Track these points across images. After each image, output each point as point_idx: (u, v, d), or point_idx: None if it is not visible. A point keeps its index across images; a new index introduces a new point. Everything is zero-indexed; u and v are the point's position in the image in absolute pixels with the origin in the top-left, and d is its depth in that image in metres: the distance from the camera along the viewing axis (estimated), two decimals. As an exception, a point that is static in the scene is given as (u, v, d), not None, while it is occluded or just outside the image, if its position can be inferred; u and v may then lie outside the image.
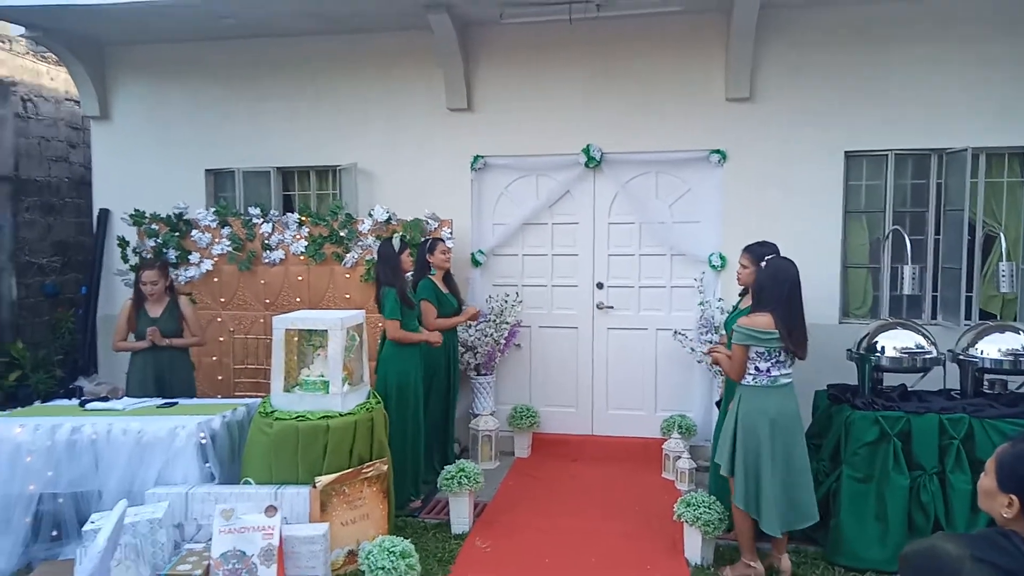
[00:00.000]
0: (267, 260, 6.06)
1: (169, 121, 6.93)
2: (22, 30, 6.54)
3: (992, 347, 4.41)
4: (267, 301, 6.09)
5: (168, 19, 6.12)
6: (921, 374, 4.55)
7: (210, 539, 3.73)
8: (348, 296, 5.96)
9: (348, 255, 5.94)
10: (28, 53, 7.70)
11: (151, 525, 3.71)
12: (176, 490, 3.97)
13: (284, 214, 6.24)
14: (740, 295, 4.58)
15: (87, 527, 3.63)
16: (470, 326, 6.02)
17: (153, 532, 3.71)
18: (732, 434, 4.01)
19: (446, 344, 5.48)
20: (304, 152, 6.69)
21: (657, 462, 5.78)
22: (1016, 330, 4.46)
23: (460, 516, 4.68)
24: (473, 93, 6.34)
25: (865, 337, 4.58)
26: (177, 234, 6.15)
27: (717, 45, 5.90)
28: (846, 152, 5.82)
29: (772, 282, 3.88)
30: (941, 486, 4.09)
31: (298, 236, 6.00)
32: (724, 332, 4.93)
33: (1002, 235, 5.40)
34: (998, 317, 5.72)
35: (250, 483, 4.02)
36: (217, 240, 6.11)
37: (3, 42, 7.38)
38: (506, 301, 6.20)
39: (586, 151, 6.10)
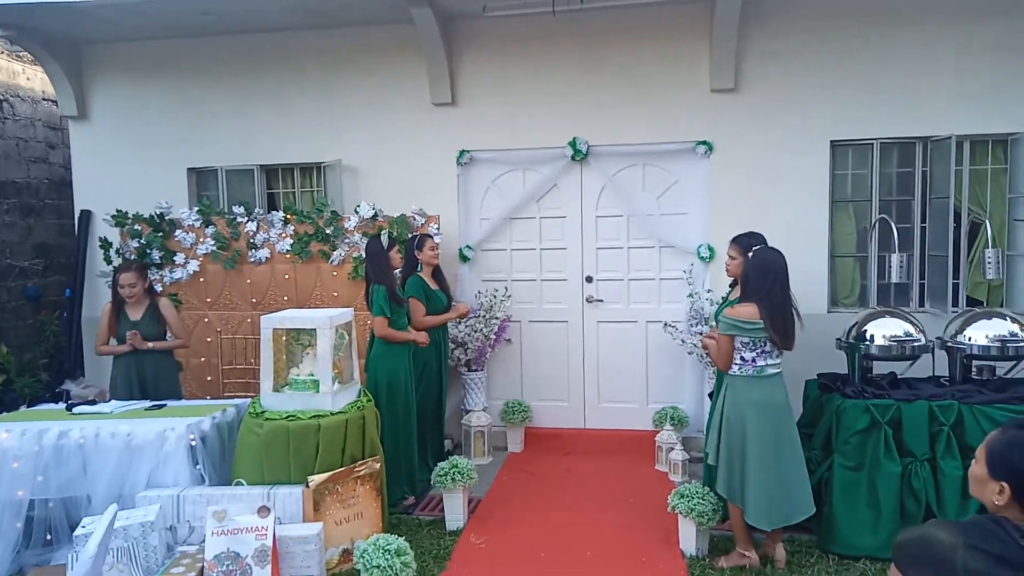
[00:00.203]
0: (253, 259, 6.01)
1: (149, 120, 6.85)
2: (-4, 29, 6.43)
3: (979, 333, 4.45)
4: (254, 300, 6.04)
5: (146, 16, 6.04)
6: (910, 362, 4.57)
7: (203, 541, 3.71)
8: (336, 294, 5.92)
9: (335, 252, 5.90)
10: (3, 52, 7.58)
11: (143, 528, 3.68)
12: (168, 492, 3.94)
13: (269, 212, 6.19)
14: (730, 286, 4.59)
15: (78, 532, 3.59)
16: (459, 322, 6.00)
17: (145, 535, 3.69)
18: (718, 423, 4.05)
19: (436, 341, 5.46)
20: (288, 149, 6.63)
21: (650, 454, 5.79)
22: (1003, 316, 4.50)
23: (454, 512, 4.67)
24: (457, 87, 6.30)
25: (854, 326, 4.61)
26: (160, 234, 6.08)
27: (701, 36, 5.90)
28: (832, 141, 5.83)
29: (757, 273, 3.89)
30: (932, 472, 4.11)
31: (283, 234, 5.95)
32: (714, 323, 4.93)
33: (987, 222, 5.44)
34: (985, 303, 5.77)
35: (242, 484, 3.99)
36: (202, 240, 6.05)
37: (-23, 42, 7.28)
38: (495, 296, 6.18)
39: (572, 144, 6.08)
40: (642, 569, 4.10)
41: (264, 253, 5.98)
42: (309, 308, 5.78)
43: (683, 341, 5.86)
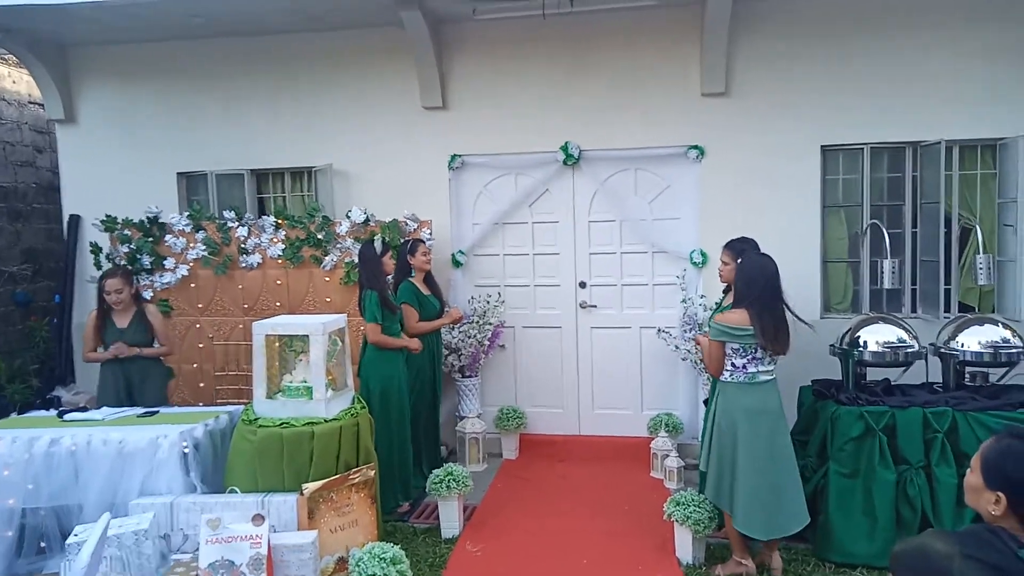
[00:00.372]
0: (244, 264, 5.97)
1: (138, 124, 6.80)
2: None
3: (972, 340, 4.46)
4: (246, 306, 6.00)
5: (135, 18, 5.99)
6: (904, 368, 4.59)
7: (197, 549, 3.67)
8: (329, 299, 5.89)
9: (327, 258, 5.87)
10: (-11, 55, 7.52)
11: (136, 537, 3.64)
12: (161, 500, 3.89)
13: (260, 217, 6.15)
14: (724, 292, 4.59)
15: (70, 540, 3.54)
16: (453, 328, 5.98)
17: (139, 544, 3.64)
18: (710, 430, 4.06)
19: (429, 347, 5.44)
20: (278, 153, 6.60)
21: (645, 461, 5.78)
22: (995, 322, 4.52)
23: (450, 520, 4.65)
24: (448, 91, 6.29)
25: (847, 332, 4.62)
26: (151, 239, 6.03)
27: (692, 40, 5.91)
28: (822, 146, 5.85)
29: (746, 279, 3.90)
30: (927, 480, 4.12)
31: (275, 239, 5.91)
32: (707, 329, 4.94)
33: (977, 227, 5.47)
34: (976, 309, 5.80)
35: (236, 492, 3.96)
36: (192, 245, 6.00)
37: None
38: (488, 302, 6.17)
39: (564, 148, 6.08)
40: (638, 576, 4.09)
41: (255, 258, 5.94)
42: (301, 314, 5.74)
43: (677, 347, 5.86)
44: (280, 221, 5.93)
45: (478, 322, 6.07)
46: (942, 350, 4.55)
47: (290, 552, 3.71)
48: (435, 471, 4.68)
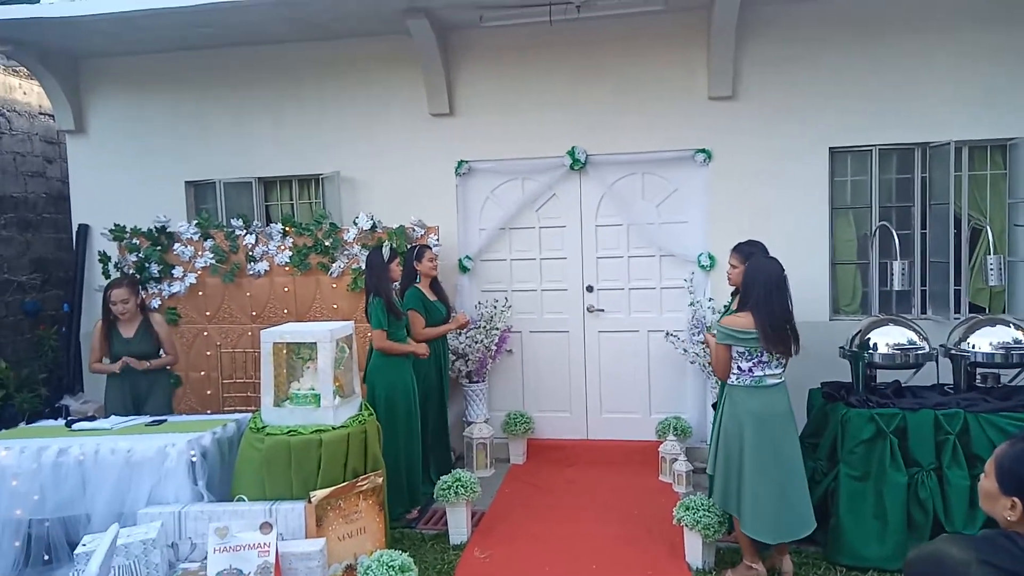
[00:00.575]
0: (252, 272, 5.98)
1: (147, 133, 6.84)
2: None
3: (983, 341, 4.43)
4: (253, 313, 6.01)
5: (143, 30, 6.03)
6: (914, 370, 4.55)
7: (205, 558, 3.67)
8: (336, 306, 5.89)
9: (334, 265, 5.87)
10: None
11: (144, 546, 3.64)
12: (169, 509, 3.90)
13: (267, 225, 6.17)
14: (732, 295, 4.57)
15: (79, 550, 3.55)
16: (460, 333, 5.97)
17: (147, 553, 3.65)
18: (717, 433, 4.05)
19: (436, 353, 5.44)
20: (286, 161, 6.62)
21: (653, 465, 5.75)
22: (1006, 323, 4.48)
23: (458, 526, 4.64)
24: (455, 98, 6.30)
25: (857, 334, 4.58)
26: (159, 248, 6.05)
27: (699, 44, 5.90)
28: (830, 148, 5.83)
29: (750, 282, 3.89)
30: (939, 482, 4.08)
31: (282, 247, 5.92)
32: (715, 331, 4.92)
33: (988, 228, 5.42)
34: (987, 310, 5.75)
35: (244, 500, 3.96)
36: (200, 253, 6.02)
37: (-27, 57, 7.25)
38: (495, 307, 6.16)
39: (571, 153, 6.08)
40: (648, 582, 4.07)
41: (263, 266, 5.95)
42: (309, 320, 5.75)
43: (685, 350, 5.84)
44: (287, 228, 5.95)
45: (485, 327, 6.06)
46: (953, 351, 4.52)
47: (298, 560, 3.71)
48: (443, 477, 4.67)
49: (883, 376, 4.71)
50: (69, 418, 4.87)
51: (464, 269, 6.33)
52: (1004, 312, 5.68)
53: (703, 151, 5.93)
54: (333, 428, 4.06)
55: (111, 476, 4.06)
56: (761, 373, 3.88)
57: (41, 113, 7.98)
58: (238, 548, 3.63)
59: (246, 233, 5.99)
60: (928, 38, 5.63)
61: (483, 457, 5.87)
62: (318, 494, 3.88)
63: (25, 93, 7.85)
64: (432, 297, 5.47)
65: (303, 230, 5.91)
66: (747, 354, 3.88)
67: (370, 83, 6.42)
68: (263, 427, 4.09)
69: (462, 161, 6.30)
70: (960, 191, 5.60)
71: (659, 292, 6.17)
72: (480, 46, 6.22)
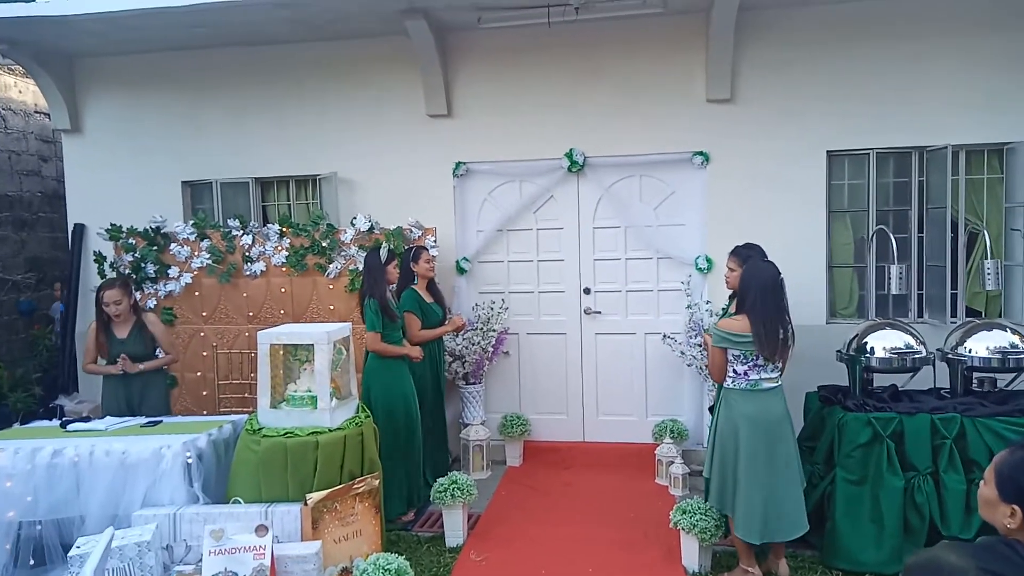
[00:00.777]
0: (248, 272, 5.96)
1: (143, 133, 6.81)
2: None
3: (980, 345, 4.43)
4: (250, 314, 6.00)
5: (140, 29, 6.01)
6: (911, 374, 4.56)
7: (200, 561, 3.66)
8: (332, 307, 5.88)
9: (331, 265, 5.86)
10: (-5, 66, 7.55)
11: (139, 548, 3.63)
12: (164, 511, 3.88)
13: (264, 225, 6.15)
14: (730, 298, 4.57)
15: (73, 552, 3.54)
16: (456, 335, 5.96)
17: (141, 555, 3.63)
18: (713, 436, 4.06)
19: (432, 355, 5.43)
20: (283, 161, 6.60)
21: (650, 467, 5.75)
22: (1003, 327, 4.48)
23: (454, 529, 4.63)
24: (453, 99, 6.29)
25: (854, 338, 4.59)
26: (155, 248, 6.03)
27: (697, 47, 5.90)
28: (828, 151, 5.83)
29: (746, 286, 3.90)
30: (935, 487, 4.09)
31: (279, 247, 5.91)
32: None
33: (984, 232, 5.43)
34: (983, 314, 5.76)
35: (239, 502, 3.94)
36: (196, 253, 6.00)
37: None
38: (492, 308, 6.15)
39: (569, 155, 6.07)
40: (644, 585, 4.07)
41: (260, 266, 5.93)
42: (305, 322, 5.74)
43: (682, 353, 5.83)
44: (284, 229, 5.93)
45: (482, 329, 6.05)
46: (949, 355, 4.52)
47: (294, 563, 3.70)
48: (439, 479, 4.65)
49: (880, 380, 4.70)
50: (64, 419, 4.84)
51: (461, 271, 6.32)
52: (1000, 316, 5.69)
53: (701, 154, 5.93)
54: (330, 430, 4.05)
55: (106, 478, 4.05)
56: (757, 377, 3.88)
57: (36, 112, 7.97)
58: (233, 551, 3.62)
59: (243, 233, 5.97)
60: (926, 43, 5.64)
61: (479, 459, 5.86)
62: (314, 496, 3.87)
63: (20, 91, 7.83)
64: (429, 299, 5.46)
65: (300, 231, 5.90)
66: (743, 357, 3.88)
67: (368, 84, 6.40)
68: (259, 429, 4.08)
69: (460, 163, 6.29)
70: (957, 195, 5.60)
71: (656, 294, 6.17)
72: (478, 47, 6.21)
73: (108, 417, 4.74)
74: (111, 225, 6.08)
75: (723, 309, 4.82)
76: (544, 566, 4.30)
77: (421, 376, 5.35)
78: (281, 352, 4.22)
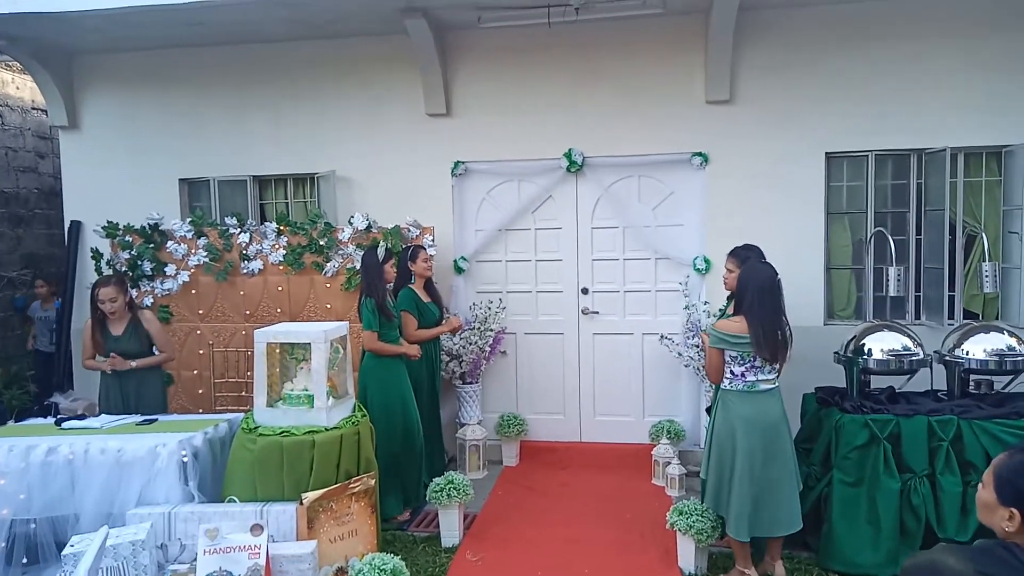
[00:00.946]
0: (245, 270, 5.95)
1: (141, 130, 6.79)
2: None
3: (977, 347, 4.42)
4: (247, 312, 5.98)
5: (138, 26, 5.99)
6: (908, 376, 4.55)
7: (195, 560, 3.64)
8: (329, 306, 5.87)
9: (328, 264, 5.84)
10: (-7, 62, 7.53)
11: (133, 547, 3.60)
12: (159, 510, 3.86)
13: (262, 223, 6.14)
14: (728, 299, 4.56)
15: (67, 551, 3.51)
16: (453, 335, 5.95)
17: (135, 554, 3.61)
18: (710, 437, 4.06)
19: (428, 354, 5.41)
20: (281, 160, 6.59)
21: (647, 468, 5.74)
22: (1000, 330, 4.48)
23: (450, 529, 4.62)
24: (452, 98, 6.28)
25: (852, 339, 4.58)
26: (152, 246, 6.01)
27: (697, 48, 5.89)
28: (827, 153, 5.83)
29: (742, 287, 3.90)
30: (932, 489, 4.08)
31: (276, 246, 5.89)
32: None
33: (982, 234, 5.44)
34: (980, 316, 5.76)
35: (235, 501, 3.93)
36: (193, 251, 5.98)
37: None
38: (490, 308, 6.14)
39: (568, 155, 6.06)
40: (640, 587, 4.06)
41: (257, 265, 5.92)
42: (302, 320, 5.72)
43: (680, 354, 5.83)
44: (282, 227, 5.92)
45: (479, 328, 6.04)
46: (947, 358, 4.51)
47: (289, 562, 3.68)
48: (435, 479, 4.64)
49: (877, 382, 4.70)
50: (59, 416, 4.82)
51: (459, 270, 6.31)
52: (998, 319, 5.70)
53: (700, 154, 5.93)
54: (326, 429, 4.03)
55: (100, 476, 4.02)
56: (754, 378, 3.88)
57: (34, 108, 7.95)
58: (228, 550, 3.60)
59: (240, 231, 5.95)
60: (925, 44, 5.64)
61: (476, 459, 5.85)
62: (310, 496, 3.85)
63: (18, 88, 7.81)
64: (426, 298, 5.45)
65: (298, 229, 5.88)
66: (740, 359, 3.88)
67: (367, 83, 6.39)
68: (255, 427, 4.07)
69: (458, 162, 6.28)
70: (955, 197, 5.60)
71: (654, 295, 6.16)
72: (478, 47, 6.20)
73: (103, 415, 4.72)
74: (108, 222, 6.06)
75: (721, 310, 4.81)
76: (540, 567, 4.29)
77: (417, 375, 5.34)
78: (278, 351, 4.20)
